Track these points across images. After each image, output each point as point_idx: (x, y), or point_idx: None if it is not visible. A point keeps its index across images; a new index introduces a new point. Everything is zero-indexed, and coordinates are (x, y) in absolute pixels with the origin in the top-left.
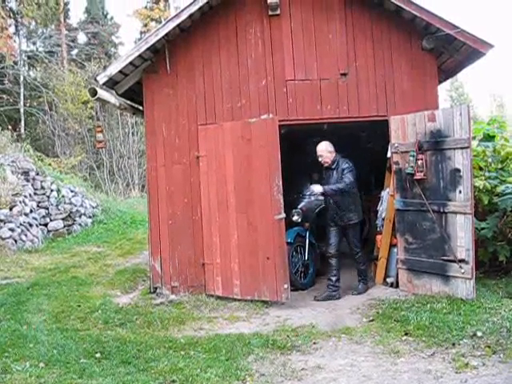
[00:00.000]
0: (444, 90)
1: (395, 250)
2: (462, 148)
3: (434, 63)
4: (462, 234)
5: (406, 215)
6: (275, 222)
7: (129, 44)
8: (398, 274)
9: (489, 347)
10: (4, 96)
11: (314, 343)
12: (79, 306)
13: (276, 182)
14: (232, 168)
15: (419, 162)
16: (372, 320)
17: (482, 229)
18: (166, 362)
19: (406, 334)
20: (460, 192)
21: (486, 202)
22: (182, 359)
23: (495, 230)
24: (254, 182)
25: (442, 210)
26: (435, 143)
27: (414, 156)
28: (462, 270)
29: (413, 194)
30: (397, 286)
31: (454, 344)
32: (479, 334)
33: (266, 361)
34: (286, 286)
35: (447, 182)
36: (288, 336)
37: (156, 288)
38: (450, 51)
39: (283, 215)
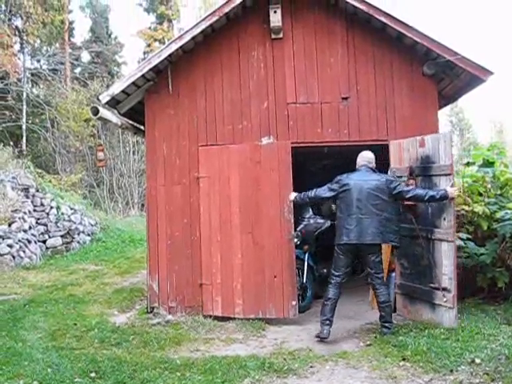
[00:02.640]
0: (444, 115)
1: (393, 274)
2: (445, 175)
3: (435, 89)
4: (446, 261)
5: (402, 240)
6: (285, 242)
7: (132, 64)
8: (396, 299)
9: (487, 374)
10: (7, 112)
11: (311, 367)
12: (75, 324)
13: (287, 203)
14: (238, 189)
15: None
16: (369, 344)
17: (481, 254)
18: (161, 382)
19: (404, 360)
20: (444, 219)
21: (486, 228)
22: (177, 380)
23: (494, 255)
24: (262, 203)
25: (429, 237)
26: (424, 169)
27: (404, 181)
28: (445, 299)
29: (406, 219)
30: (395, 311)
31: (451, 370)
32: (477, 360)
33: None
34: (294, 302)
35: (434, 208)
36: (285, 359)
37: (153, 308)
38: (450, 77)
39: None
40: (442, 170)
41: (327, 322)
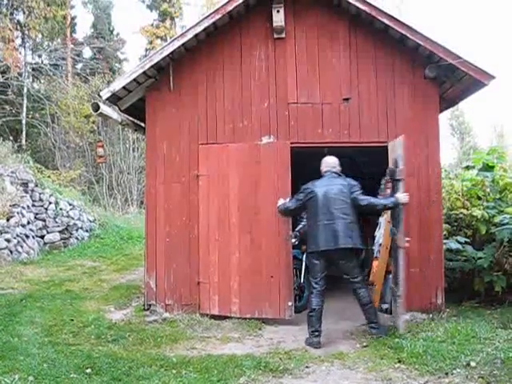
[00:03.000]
0: (445, 118)
1: (390, 276)
2: (402, 180)
3: (436, 92)
4: (396, 267)
5: (394, 243)
6: (283, 242)
7: (133, 60)
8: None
9: (482, 378)
10: (7, 107)
11: (307, 367)
12: (72, 320)
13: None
14: (237, 188)
15: (387, 191)
16: (365, 346)
17: (479, 258)
18: (157, 380)
19: (400, 362)
20: (399, 224)
21: (484, 232)
22: (173, 378)
23: (492, 260)
24: (260, 203)
25: (396, 242)
26: (394, 172)
27: (384, 184)
28: (397, 304)
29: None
30: (391, 313)
31: (447, 373)
32: (473, 364)
33: (257, 383)
34: (290, 303)
35: (395, 213)
36: (281, 359)
37: (150, 305)
38: (452, 80)
39: (292, 235)
40: (399, 174)
41: (316, 333)
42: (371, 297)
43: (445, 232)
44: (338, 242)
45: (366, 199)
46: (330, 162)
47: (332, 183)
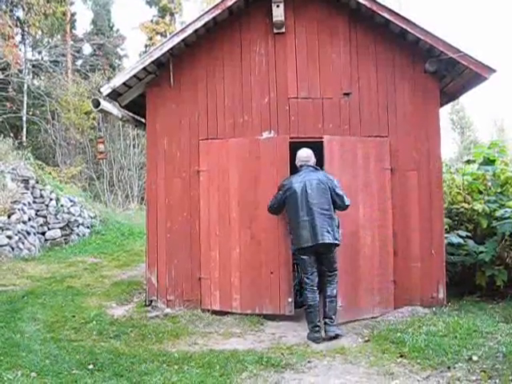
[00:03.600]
0: (445, 112)
1: None
2: None
3: (437, 86)
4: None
5: None
6: (282, 237)
7: (133, 56)
8: None
9: (484, 372)
10: (7, 104)
11: (309, 362)
12: (74, 316)
13: None
14: (237, 183)
15: None
16: (367, 340)
17: (481, 252)
18: (159, 376)
19: (401, 356)
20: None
21: (485, 226)
22: (175, 374)
23: (493, 254)
24: (260, 198)
25: None
26: None
27: None
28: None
29: None
30: None
31: (449, 367)
32: (475, 358)
33: (259, 378)
34: (290, 299)
35: None
36: (282, 354)
37: (151, 301)
38: (452, 75)
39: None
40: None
41: (316, 328)
42: (337, 293)
43: (446, 226)
44: (318, 239)
45: (341, 195)
46: (303, 156)
47: (309, 177)
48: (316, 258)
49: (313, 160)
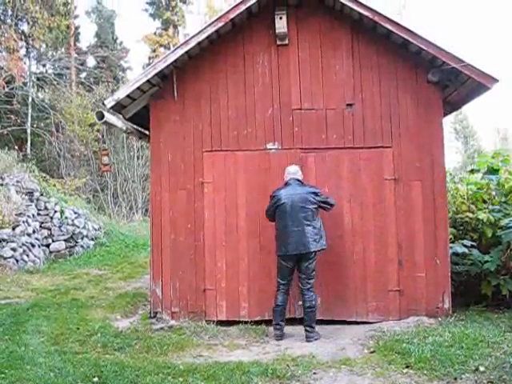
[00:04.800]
0: (448, 122)
1: None
2: None
3: (439, 96)
4: None
5: None
6: None
7: (137, 69)
8: None
9: (491, 383)
10: (12, 116)
11: (314, 373)
12: (78, 328)
13: None
14: (245, 195)
15: None
16: (373, 351)
17: (486, 262)
18: None
19: (408, 367)
20: None
21: (490, 235)
22: None
23: (498, 263)
24: None
25: None
26: None
27: None
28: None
29: None
30: None
31: (455, 378)
32: (482, 368)
33: None
34: (300, 302)
35: None
36: (288, 365)
37: (156, 313)
38: (455, 84)
39: None
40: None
41: (278, 326)
42: (316, 302)
43: (451, 236)
44: (305, 247)
45: (325, 200)
46: (292, 171)
47: (296, 191)
48: (297, 265)
49: (299, 174)
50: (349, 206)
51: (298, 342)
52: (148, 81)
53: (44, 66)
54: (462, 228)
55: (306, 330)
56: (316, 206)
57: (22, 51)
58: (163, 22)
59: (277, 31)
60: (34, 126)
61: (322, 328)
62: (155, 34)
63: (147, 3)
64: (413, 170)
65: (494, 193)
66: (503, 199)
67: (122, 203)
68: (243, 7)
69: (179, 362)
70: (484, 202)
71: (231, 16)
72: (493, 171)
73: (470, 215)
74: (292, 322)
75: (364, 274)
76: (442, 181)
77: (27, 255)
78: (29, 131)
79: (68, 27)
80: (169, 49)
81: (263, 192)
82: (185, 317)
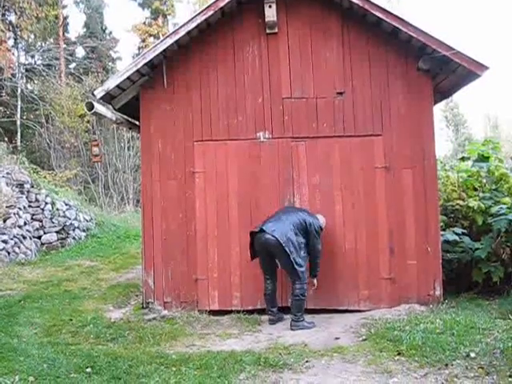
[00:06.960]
0: (439, 110)
1: None
2: None
3: (430, 84)
4: None
5: None
6: None
7: (127, 59)
8: None
9: (482, 368)
10: (1, 108)
11: (307, 362)
12: (71, 319)
13: (288, 197)
14: (236, 185)
15: None
16: (365, 339)
17: (476, 249)
18: (157, 378)
19: (399, 354)
20: None
21: (481, 223)
22: (173, 375)
23: (489, 250)
24: (261, 199)
25: None
26: None
27: None
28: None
29: None
30: None
31: (446, 365)
32: (472, 354)
33: (257, 379)
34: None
35: None
36: (280, 354)
37: (148, 303)
38: (445, 72)
39: None
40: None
41: (269, 312)
42: (303, 291)
43: (441, 223)
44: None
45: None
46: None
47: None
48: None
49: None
50: (340, 194)
51: (290, 331)
52: (137, 71)
53: (33, 56)
54: (452, 216)
55: (291, 319)
56: (304, 236)
57: (10, 42)
58: (152, 12)
59: (266, 20)
60: (24, 117)
61: (314, 317)
62: (144, 23)
63: None
64: (403, 158)
65: (484, 180)
66: (494, 186)
67: (113, 194)
68: None
69: (172, 351)
70: (475, 189)
71: (221, 4)
72: (483, 159)
73: (461, 203)
74: (285, 310)
75: (355, 263)
76: (432, 169)
77: (19, 247)
78: (18, 123)
79: (56, 17)
80: (158, 38)
81: (254, 181)
82: (177, 307)
